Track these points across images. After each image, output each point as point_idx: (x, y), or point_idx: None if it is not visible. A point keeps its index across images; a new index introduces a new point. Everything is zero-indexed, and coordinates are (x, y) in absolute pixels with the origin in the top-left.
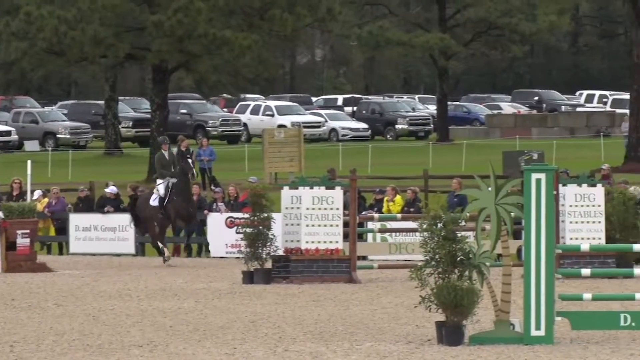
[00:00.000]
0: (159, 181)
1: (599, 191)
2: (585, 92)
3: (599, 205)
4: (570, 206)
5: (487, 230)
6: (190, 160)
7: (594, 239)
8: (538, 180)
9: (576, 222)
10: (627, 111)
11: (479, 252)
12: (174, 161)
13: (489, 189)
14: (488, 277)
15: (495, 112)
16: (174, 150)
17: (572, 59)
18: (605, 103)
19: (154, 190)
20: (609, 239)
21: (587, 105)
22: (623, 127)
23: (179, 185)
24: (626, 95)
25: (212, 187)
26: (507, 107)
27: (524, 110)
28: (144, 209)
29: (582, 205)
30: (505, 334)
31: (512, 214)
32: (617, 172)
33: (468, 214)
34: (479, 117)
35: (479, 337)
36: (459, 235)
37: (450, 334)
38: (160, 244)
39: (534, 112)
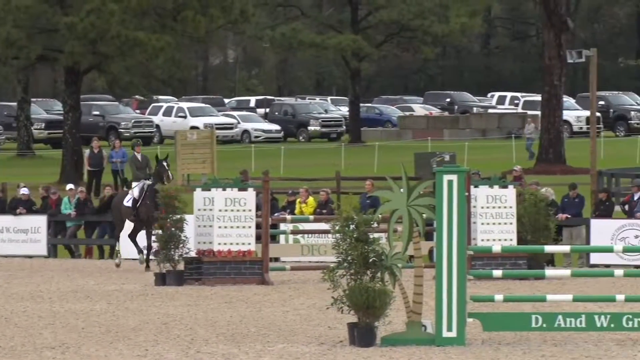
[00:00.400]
0: (134, 183)
1: (510, 193)
2: (497, 94)
3: (511, 207)
4: (482, 207)
5: (399, 231)
6: (165, 164)
7: (505, 240)
8: (450, 182)
9: (488, 224)
10: (538, 113)
11: (391, 253)
12: (147, 164)
13: (401, 190)
14: (400, 279)
15: (407, 113)
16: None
17: (483, 60)
18: (516, 105)
19: (129, 192)
20: (520, 241)
21: (499, 106)
22: (526, 130)
23: (152, 189)
24: (538, 97)
25: (125, 189)
26: (419, 108)
27: (435, 111)
28: (117, 209)
29: (493, 207)
30: (417, 335)
31: (424, 215)
32: (529, 174)
33: (380, 216)
34: (391, 119)
35: (390, 339)
36: (371, 236)
37: (362, 335)
38: (117, 245)
39: (446, 113)
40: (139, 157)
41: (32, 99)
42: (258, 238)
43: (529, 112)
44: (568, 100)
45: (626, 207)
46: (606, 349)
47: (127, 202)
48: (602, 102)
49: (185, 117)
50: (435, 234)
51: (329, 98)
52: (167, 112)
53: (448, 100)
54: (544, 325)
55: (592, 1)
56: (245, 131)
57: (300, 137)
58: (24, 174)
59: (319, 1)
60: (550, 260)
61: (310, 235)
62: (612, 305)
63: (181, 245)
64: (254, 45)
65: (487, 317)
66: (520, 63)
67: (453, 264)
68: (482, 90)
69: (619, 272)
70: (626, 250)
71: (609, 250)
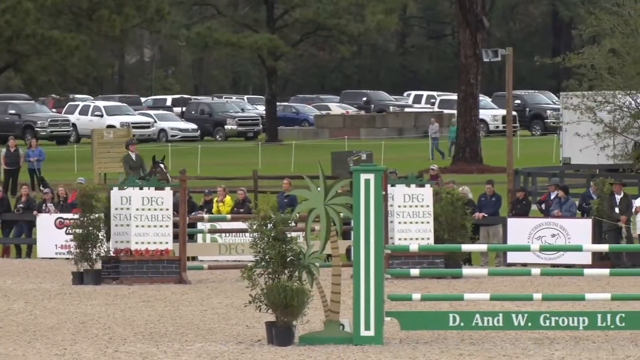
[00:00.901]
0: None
1: (427, 191)
2: (413, 93)
3: (428, 206)
4: (399, 206)
5: (317, 230)
6: (162, 166)
7: (422, 239)
8: (367, 181)
9: (405, 223)
10: (454, 112)
11: (309, 252)
12: (141, 164)
13: (319, 189)
14: (318, 278)
15: (324, 112)
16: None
17: (400, 59)
18: (433, 104)
19: None
20: (437, 239)
21: (415, 105)
22: (430, 130)
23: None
24: (454, 96)
25: (41, 188)
26: (336, 107)
27: (352, 110)
28: None
29: (410, 206)
30: (335, 334)
31: (341, 214)
32: (445, 173)
33: (298, 215)
34: (307, 118)
35: (308, 338)
36: (288, 235)
37: (280, 334)
38: None
39: (363, 112)
40: (132, 156)
41: None
42: (175, 237)
43: (445, 111)
44: (484, 99)
45: (543, 206)
46: (523, 347)
47: None
48: (518, 101)
49: (101, 115)
50: (353, 233)
51: (245, 97)
52: (84, 111)
53: (364, 99)
54: (462, 324)
55: (508, 0)
56: (162, 130)
57: (217, 136)
58: None
59: (234, 0)
60: (468, 259)
61: (227, 234)
62: (529, 304)
63: (98, 244)
64: (170, 44)
65: (405, 316)
66: (436, 62)
67: (370, 263)
68: (398, 89)
69: (535, 270)
70: (543, 249)
71: (526, 249)
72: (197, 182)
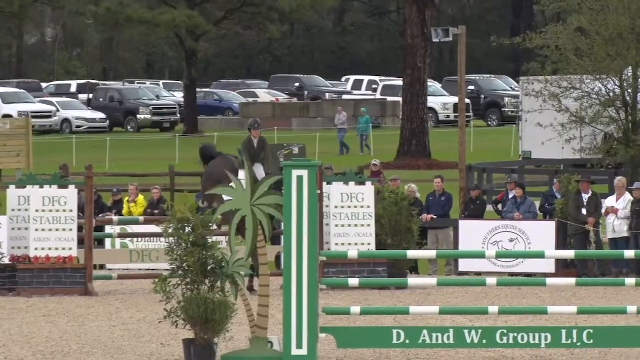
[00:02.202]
0: (241, 172)
1: (368, 190)
2: (353, 78)
3: (368, 206)
4: (336, 207)
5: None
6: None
7: (362, 244)
8: (299, 178)
9: (342, 225)
10: (399, 99)
11: (233, 259)
12: (264, 151)
13: (244, 187)
14: (243, 288)
15: (251, 100)
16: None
17: (337, 39)
18: (375, 90)
19: None
20: (379, 244)
21: (355, 92)
22: (337, 120)
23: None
24: (399, 81)
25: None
26: (264, 94)
27: (282, 98)
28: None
29: (349, 206)
30: (262, 352)
31: (271, 216)
32: (389, 168)
33: (220, 216)
34: (231, 106)
35: (232, 357)
36: (209, 240)
37: (199, 353)
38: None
39: (294, 100)
40: (254, 142)
41: None
42: (80, 242)
43: (389, 98)
44: (433, 85)
45: (499, 206)
46: None
47: None
48: (471, 87)
49: None
50: (283, 237)
51: (160, 82)
52: None
53: (297, 84)
54: (407, 340)
55: None
56: (65, 120)
57: (129, 127)
58: None
59: None
60: (414, 266)
61: (140, 238)
62: (483, 319)
63: None
64: (75, 21)
65: (342, 332)
66: (378, 42)
67: (303, 271)
68: (335, 74)
69: (491, 280)
70: (499, 255)
71: (480, 255)
72: (106, 179)
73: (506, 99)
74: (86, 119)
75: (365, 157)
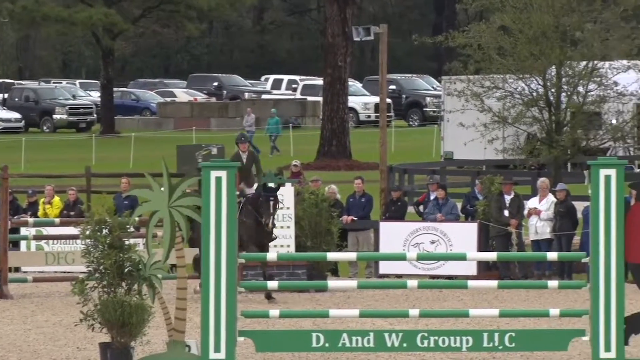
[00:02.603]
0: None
1: (288, 191)
2: (272, 77)
3: (288, 208)
4: None
5: (160, 236)
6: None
7: (282, 246)
8: (218, 179)
9: None
10: (319, 99)
11: (150, 262)
12: (254, 166)
13: (162, 189)
14: (160, 291)
15: (169, 99)
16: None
17: (256, 38)
18: (295, 89)
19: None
20: (299, 247)
21: (274, 91)
22: (245, 122)
23: (255, 202)
24: (319, 81)
25: None
26: (182, 94)
27: (201, 97)
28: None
29: None
30: (180, 356)
31: (189, 217)
32: (309, 169)
33: (137, 218)
34: (149, 106)
35: None
36: (126, 242)
37: (116, 356)
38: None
39: (213, 99)
40: (243, 157)
41: None
42: None
43: (309, 98)
44: (354, 85)
45: (421, 207)
46: None
47: None
48: (393, 87)
49: None
50: (202, 240)
51: (77, 82)
52: None
53: (216, 84)
54: (327, 344)
55: None
56: None
57: (45, 127)
58: None
59: None
60: (334, 269)
61: (56, 241)
62: (404, 322)
63: None
64: None
65: (261, 336)
66: (298, 41)
67: (222, 274)
68: (254, 73)
69: (412, 283)
70: (421, 257)
71: (401, 257)
72: (21, 181)
73: (428, 99)
74: (1, 119)
75: (275, 159)
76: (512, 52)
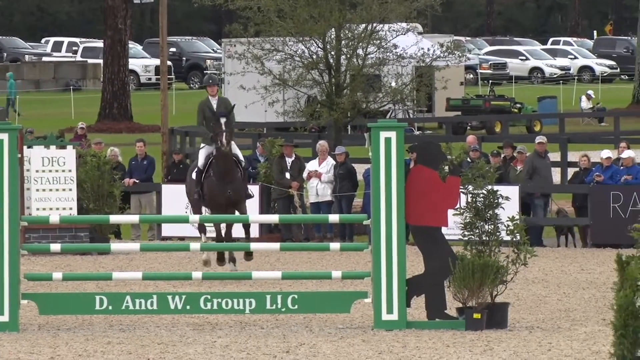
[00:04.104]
0: (202, 145)
1: (69, 154)
2: (53, 39)
3: (70, 171)
4: (37, 171)
5: None
6: (223, 119)
7: (64, 209)
8: (0, 142)
9: (44, 190)
10: (100, 61)
11: None
12: (225, 113)
13: None
14: None
15: None
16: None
17: (36, 0)
18: (75, 52)
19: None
20: (81, 209)
21: (55, 54)
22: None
23: (221, 154)
24: (100, 43)
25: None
26: None
27: None
28: (187, 183)
29: (50, 171)
30: None
31: None
32: (90, 132)
33: None
34: None
35: None
36: None
37: None
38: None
39: None
40: (213, 102)
41: None
42: None
43: (90, 61)
44: (135, 47)
45: None
46: (182, 334)
47: (192, 173)
48: (173, 49)
49: None
50: None
51: None
52: None
53: None
54: (110, 307)
55: None
56: None
57: None
58: None
59: None
60: (117, 232)
61: None
62: (187, 284)
63: None
64: None
65: (44, 299)
66: (78, 4)
67: (4, 237)
68: (35, 35)
69: (195, 245)
70: (203, 220)
71: (184, 220)
72: None
73: (208, 61)
74: None
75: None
76: (291, 14)
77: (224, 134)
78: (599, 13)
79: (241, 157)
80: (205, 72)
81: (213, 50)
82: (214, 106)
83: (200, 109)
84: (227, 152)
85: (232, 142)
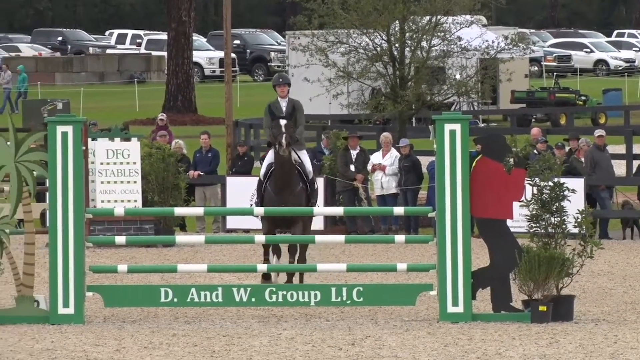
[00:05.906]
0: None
1: (134, 146)
2: (117, 32)
3: (135, 163)
4: (101, 164)
5: (7, 192)
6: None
7: (129, 201)
8: (64, 134)
9: (109, 182)
10: (164, 54)
11: None
12: (296, 119)
13: (8, 144)
14: (8, 247)
15: (13, 54)
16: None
17: None
18: (139, 44)
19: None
20: (146, 202)
21: (119, 46)
22: (1, 78)
23: (279, 163)
24: (163, 35)
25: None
26: (27, 49)
27: (46, 52)
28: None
29: (114, 163)
30: (29, 312)
31: (35, 172)
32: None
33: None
34: None
35: None
36: None
37: None
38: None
39: (58, 54)
40: (282, 104)
41: None
42: None
43: (154, 53)
44: (199, 39)
45: None
46: (247, 326)
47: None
48: (237, 42)
49: None
50: (49, 195)
51: None
52: None
53: (60, 39)
54: (175, 299)
55: None
56: None
57: None
58: None
59: None
60: (182, 224)
61: None
62: (252, 277)
63: None
64: None
65: (109, 291)
66: None
67: (69, 229)
68: (98, 28)
69: (259, 238)
70: (268, 212)
71: (249, 212)
72: None
73: (272, 53)
74: None
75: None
76: (355, 6)
77: (284, 135)
78: None
79: (308, 168)
80: (269, 64)
81: (277, 42)
82: (283, 109)
83: (267, 112)
84: (287, 158)
85: (303, 152)
